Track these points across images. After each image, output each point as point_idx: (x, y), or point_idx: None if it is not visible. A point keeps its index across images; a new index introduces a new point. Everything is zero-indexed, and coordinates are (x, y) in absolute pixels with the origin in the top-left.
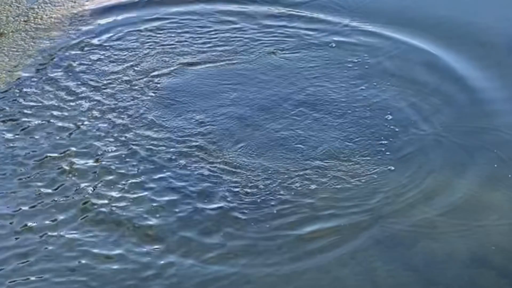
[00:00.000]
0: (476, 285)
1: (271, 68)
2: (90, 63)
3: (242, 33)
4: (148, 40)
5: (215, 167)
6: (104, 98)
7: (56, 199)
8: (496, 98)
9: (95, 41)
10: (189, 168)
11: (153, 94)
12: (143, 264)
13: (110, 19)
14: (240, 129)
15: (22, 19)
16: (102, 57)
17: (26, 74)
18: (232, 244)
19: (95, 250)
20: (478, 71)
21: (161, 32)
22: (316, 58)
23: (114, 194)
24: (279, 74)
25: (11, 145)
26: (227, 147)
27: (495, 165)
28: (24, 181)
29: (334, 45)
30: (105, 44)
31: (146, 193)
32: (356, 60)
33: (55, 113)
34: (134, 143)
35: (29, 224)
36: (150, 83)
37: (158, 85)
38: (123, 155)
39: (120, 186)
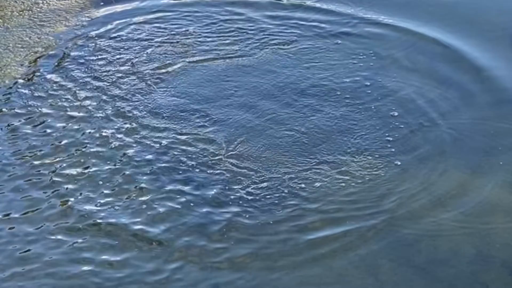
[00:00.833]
0: (481, 283)
1: (276, 61)
2: (95, 57)
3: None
4: (154, 33)
5: (220, 167)
6: (108, 92)
7: (51, 201)
8: None
9: (100, 35)
10: (194, 169)
11: (158, 88)
12: (148, 270)
13: (115, 12)
14: (242, 124)
15: (26, 14)
16: (106, 51)
17: (31, 70)
18: (238, 248)
19: (99, 257)
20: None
21: (167, 24)
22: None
23: (115, 196)
24: (285, 66)
25: (14, 140)
26: (233, 145)
27: (501, 163)
28: (20, 178)
29: (339, 41)
30: (110, 38)
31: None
32: (366, 52)
33: (60, 107)
34: (139, 140)
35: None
36: (156, 76)
37: (163, 79)
38: (126, 153)
39: (120, 186)
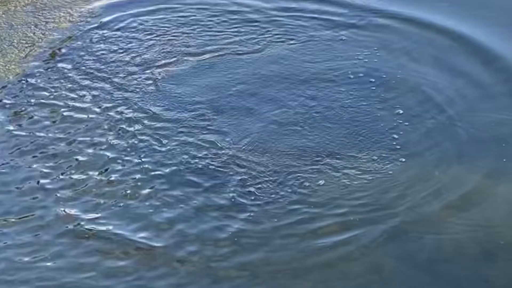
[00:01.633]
0: (485, 280)
1: (278, 59)
2: (98, 54)
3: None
4: (158, 30)
5: (223, 161)
6: (111, 89)
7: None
8: None
9: (103, 32)
10: (196, 162)
11: (161, 86)
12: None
13: (119, 7)
14: (249, 122)
15: (30, 10)
16: (110, 48)
17: (35, 65)
18: (241, 241)
19: (101, 265)
20: None
21: (170, 21)
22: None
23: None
24: (287, 63)
25: (17, 136)
26: (235, 142)
27: (504, 159)
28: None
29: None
30: (114, 35)
31: (153, 186)
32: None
33: (63, 104)
34: (141, 137)
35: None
36: (159, 73)
37: (165, 76)
38: (127, 150)
39: (122, 187)
